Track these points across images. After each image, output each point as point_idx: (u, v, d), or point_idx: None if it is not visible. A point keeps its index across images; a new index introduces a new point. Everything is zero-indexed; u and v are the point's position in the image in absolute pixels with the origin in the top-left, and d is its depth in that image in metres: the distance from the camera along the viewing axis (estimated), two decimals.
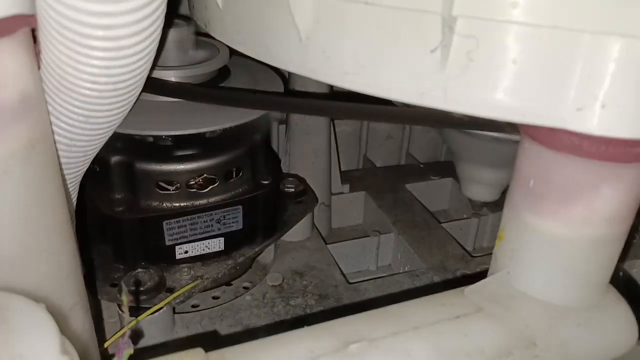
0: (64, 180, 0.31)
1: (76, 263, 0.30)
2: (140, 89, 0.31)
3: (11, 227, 0.25)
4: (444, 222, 0.74)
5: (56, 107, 0.28)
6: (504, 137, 0.54)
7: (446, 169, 0.88)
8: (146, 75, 0.30)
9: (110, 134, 0.34)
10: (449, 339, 0.27)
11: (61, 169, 0.30)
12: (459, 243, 0.69)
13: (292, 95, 0.59)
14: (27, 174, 0.24)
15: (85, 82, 0.27)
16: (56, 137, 0.29)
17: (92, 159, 0.35)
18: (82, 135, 0.30)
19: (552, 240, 0.28)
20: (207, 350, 0.26)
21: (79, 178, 0.35)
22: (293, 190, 0.67)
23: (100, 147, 0.34)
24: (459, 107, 0.26)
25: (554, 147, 0.26)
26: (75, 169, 0.33)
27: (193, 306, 0.60)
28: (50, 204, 0.26)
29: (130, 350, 0.27)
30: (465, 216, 0.79)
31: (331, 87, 0.70)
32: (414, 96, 0.26)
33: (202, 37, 0.58)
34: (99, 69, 0.27)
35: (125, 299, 0.27)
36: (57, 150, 0.29)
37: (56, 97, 0.27)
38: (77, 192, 0.36)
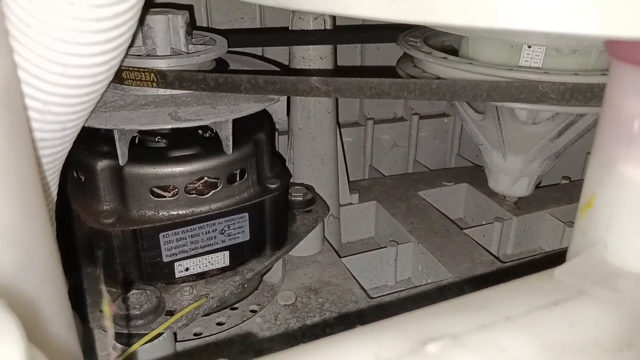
0: (39, 165, 0.25)
1: (54, 260, 0.23)
2: (135, 27, 0.25)
3: None
4: (464, 229, 0.68)
5: (24, 53, 0.22)
6: (542, 110, 0.48)
7: (458, 174, 0.82)
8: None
9: (94, 101, 0.27)
10: (552, 330, 0.21)
11: (36, 149, 0.24)
12: (485, 249, 0.63)
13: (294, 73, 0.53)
14: None
15: (61, 5, 0.21)
16: (27, 101, 0.23)
17: (72, 140, 0.28)
18: (58, 97, 0.24)
19: None
20: None
21: (59, 165, 0.29)
22: (301, 199, 0.60)
23: (81, 124, 0.28)
24: (546, 26, 0.20)
25: None
26: (53, 148, 0.27)
27: (195, 334, 0.52)
28: (14, 175, 0.19)
29: None
30: (484, 222, 0.73)
31: (335, 56, 0.64)
32: (485, 18, 0.20)
33: (200, 31, 0.53)
34: None
35: (107, 309, 0.20)
36: (29, 119, 0.23)
37: (24, 38, 0.21)
38: (56, 186, 0.29)
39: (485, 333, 0.20)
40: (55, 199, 0.30)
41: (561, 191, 0.77)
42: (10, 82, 0.20)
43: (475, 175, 0.81)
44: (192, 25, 0.49)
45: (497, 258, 0.62)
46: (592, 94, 0.37)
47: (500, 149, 0.59)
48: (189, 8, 0.53)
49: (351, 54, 0.81)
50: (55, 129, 0.26)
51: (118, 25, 0.24)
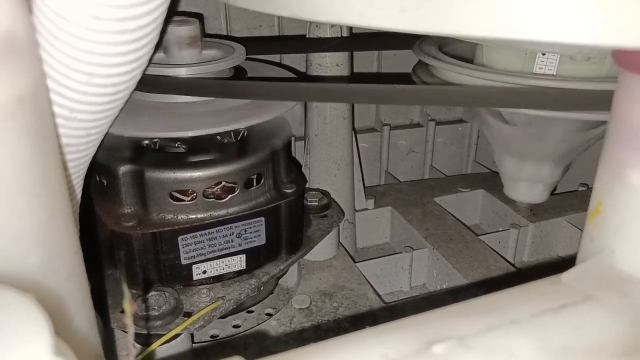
0: (65, 168, 0.26)
1: (78, 259, 0.24)
2: (157, 38, 0.26)
3: None
4: (480, 235, 0.68)
5: (53, 63, 0.23)
6: (556, 116, 0.48)
7: (474, 181, 0.82)
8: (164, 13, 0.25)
9: (117, 108, 0.28)
10: (559, 333, 0.21)
11: (62, 153, 0.25)
12: (501, 255, 0.63)
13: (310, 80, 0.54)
14: (12, 135, 0.19)
15: (87, 19, 0.22)
16: (54, 108, 0.24)
17: (96, 145, 0.29)
18: (84, 104, 0.25)
19: None
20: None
21: (83, 170, 0.30)
22: (317, 204, 0.61)
23: (105, 130, 0.29)
24: (556, 37, 0.21)
25: None
26: (78, 153, 0.28)
27: (212, 337, 0.54)
28: (42, 178, 0.20)
29: None
30: (500, 229, 0.73)
31: (351, 63, 0.65)
32: (498, 28, 0.21)
33: (218, 39, 0.54)
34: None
35: (129, 307, 0.21)
36: (56, 125, 0.24)
37: (52, 50, 0.23)
38: (81, 189, 0.31)
39: (492, 335, 0.21)
40: (80, 201, 0.31)
41: (578, 198, 0.76)
42: (40, 91, 0.22)
43: (491, 181, 0.81)
44: (203, 32, 0.50)
45: (513, 265, 0.62)
46: (606, 101, 0.37)
47: (515, 155, 0.59)
48: (199, 16, 0.55)
49: (368, 61, 0.82)
50: (80, 135, 0.27)
51: (140, 38, 0.25)
